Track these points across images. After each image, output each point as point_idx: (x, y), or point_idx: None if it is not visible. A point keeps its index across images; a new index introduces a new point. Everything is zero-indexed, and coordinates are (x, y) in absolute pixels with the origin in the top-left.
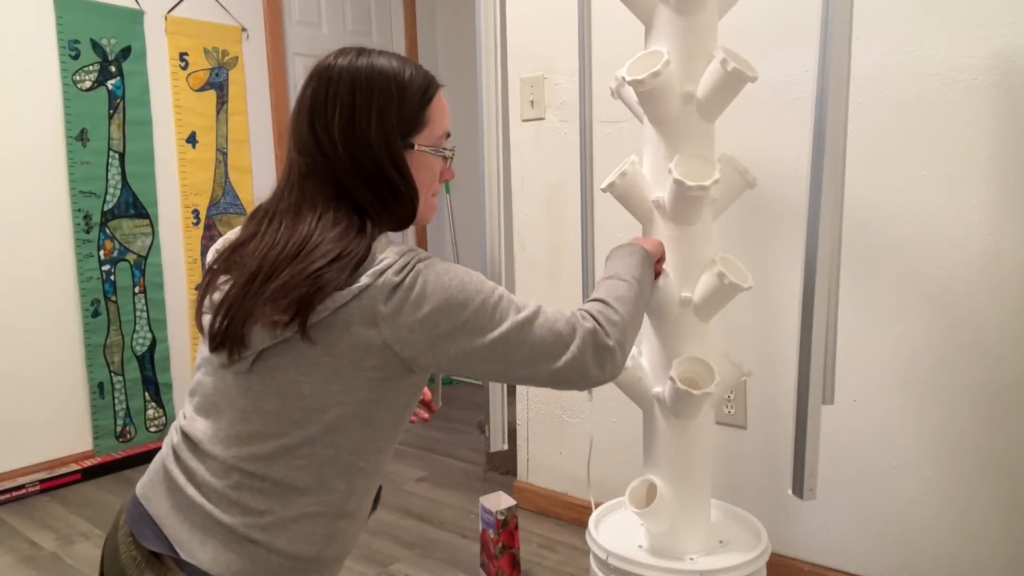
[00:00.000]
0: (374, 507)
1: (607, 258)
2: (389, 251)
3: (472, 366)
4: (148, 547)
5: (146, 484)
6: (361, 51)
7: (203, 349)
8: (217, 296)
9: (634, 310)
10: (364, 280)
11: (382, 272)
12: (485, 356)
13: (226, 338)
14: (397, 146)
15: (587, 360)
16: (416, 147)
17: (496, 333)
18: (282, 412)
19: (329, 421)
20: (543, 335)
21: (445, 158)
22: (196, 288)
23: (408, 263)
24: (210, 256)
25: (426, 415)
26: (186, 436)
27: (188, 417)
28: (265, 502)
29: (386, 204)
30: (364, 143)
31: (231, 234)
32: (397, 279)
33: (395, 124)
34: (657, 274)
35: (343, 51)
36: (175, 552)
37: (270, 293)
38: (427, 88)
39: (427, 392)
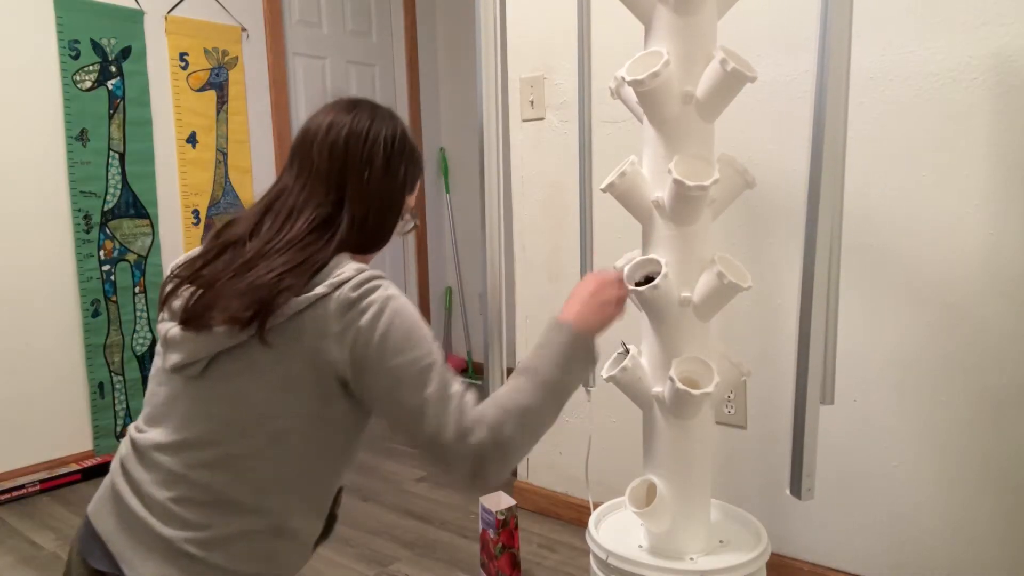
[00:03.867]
0: (327, 535)
1: (546, 331)
2: (348, 266)
3: (378, 407)
4: (95, 566)
5: (95, 502)
6: (391, 115)
7: (157, 361)
8: (177, 304)
9: (536, 423)
10: (320, 289)
11: (339, 285)
12: (391, 407)
13: (193, 316)
14: (403, 195)
15: (462, 468)
16: (404, 205)
17: (411, 394)
18: (229, 419)
19: (273, 433)
20: (441, 423)
21: (405, 221)
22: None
23: (366, 283)
24: (167, 272)
25: None
26: (135, 447)
27: (138, 428)
28: (205, 516)
29: (364, 232)
30: (391, 184)
31: (191, 252)
32: (353, 295)
33: (408, 180)
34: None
35: (378, 109)
36: (119, 570)
37: (238, 290)
38: (422, 165)
39: None
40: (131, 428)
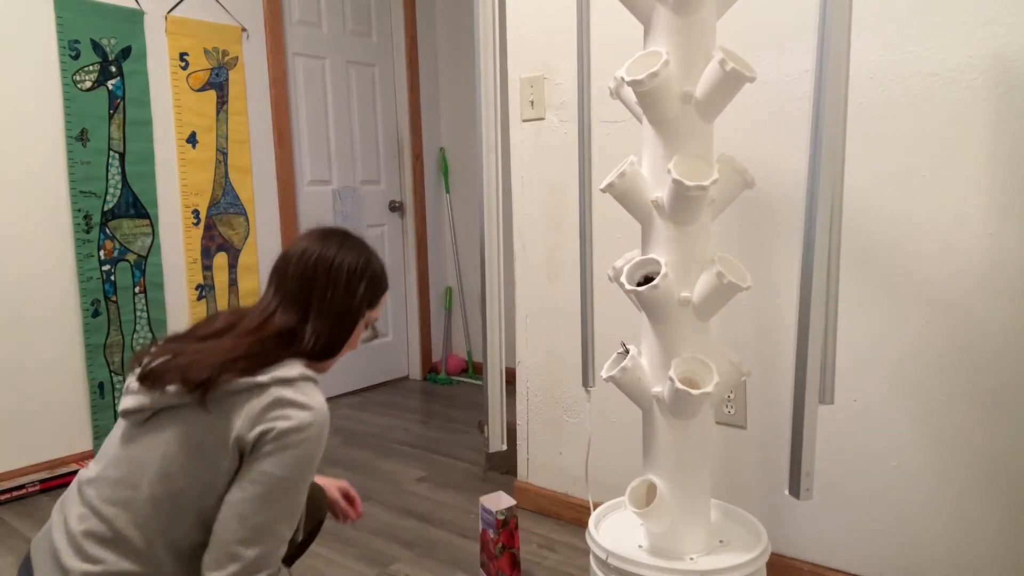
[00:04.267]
0: None
1: None
2: (295, 368)
3: (239, 485)
4: None
5: (39, 534)
6: (366, 250)
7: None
8: (145, 360)
9: None
10: (263, 378)
11: (282, 381)
12: (246, 512)
13: (152, 378)
14: (361, 313)
15: (219, 568)
16: (365, 318)
17: (261, 504)
18: (146, 465)
19: (175, 487)
20: (256, 542)
21: (362, 335)
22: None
23: (305, 394)
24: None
25: (353, 515)
26: (77, 482)
27: (85, 467)
28: (102, 552)
29: (327, 346)
30: (346, 314)
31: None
32: (290, 397)
33: (366, 302)
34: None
35: (344, 241)
36: None
37: (193, 360)
38: (386, 287)
39: (341, 502)
40: (77, 478)
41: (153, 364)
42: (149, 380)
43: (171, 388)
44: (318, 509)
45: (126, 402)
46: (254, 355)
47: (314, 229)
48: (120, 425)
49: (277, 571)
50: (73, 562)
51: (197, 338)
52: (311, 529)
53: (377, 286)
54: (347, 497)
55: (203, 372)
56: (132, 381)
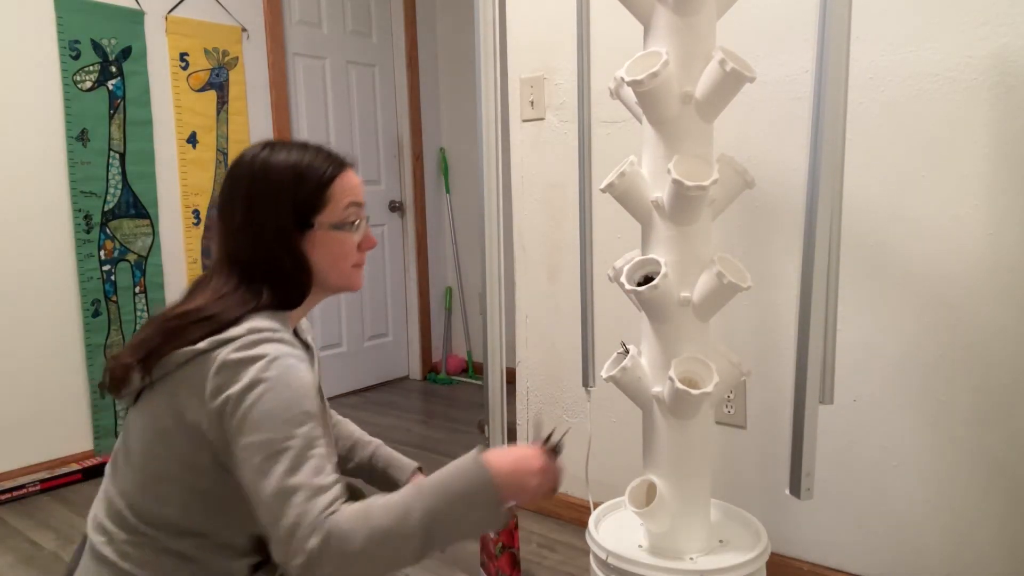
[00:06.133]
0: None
1: (462, 461)
2: (243, 326)
3: (239, 473)
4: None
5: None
6: (268, 144)
7: None
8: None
9: (387, 557)
10: (202, 344)
11: (222, 343)
12: (245, 476)
13: (111, 381)
14: (290, 232)
15: (292, 565)
16: (317, 226)
17: (254, 478)
18: (131, 451)
19: (153, 474)
20: (282, 511)
21: (355, 229)
22: None
23: (250, 346)
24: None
25: None
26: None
27: None
28: (114, 526)
29: (275, 284)
30: (259, 231)
31: None
32: (234, 357)
33: (290, 210)
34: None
35: (254, 146)
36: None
37: (138, 341)
38: (327, 170)
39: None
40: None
41: (120, 353)
42: (117, 370)
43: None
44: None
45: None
46: (203, 319)
47: None
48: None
49: (324, 513)
50: (94, 536)
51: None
52: None
53: (306, 178)
54: None
55: (140, 349)
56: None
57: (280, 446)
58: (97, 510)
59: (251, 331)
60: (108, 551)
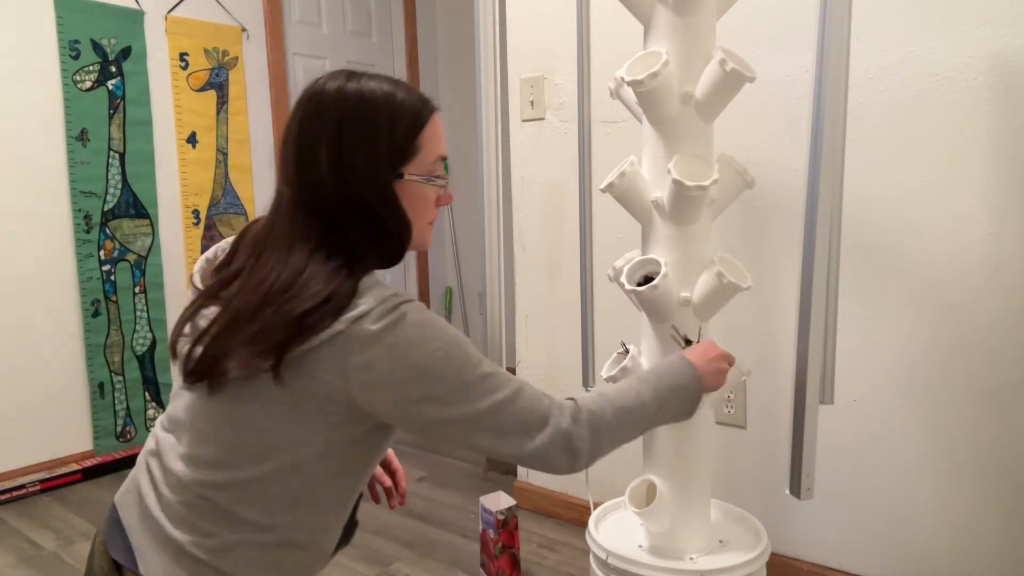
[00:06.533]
0: (347, 540)
1: (671, 356)
2: (369, 296)
3: (434, 434)
4: (114, 557)
5: (122, 491)
6: (351, 75)
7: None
8: (202, 324)
9: (630, 428)
10: (338, 326)
11: (358, 319)
12: (450, 431)
13: (203, 372)
14: (386, 179)
15: (551, 455)
16: (406, 176)
17: (467, 411)
18: (237, 444)
19: (282, 459)
20: (512, 423)
21: (434, 186)
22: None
23: (388, 312)
24: (196, 274)
25: (392, 504)
26: (158, 443)
27: (163, 426)
28: (213, 525)
29: (374, 240)
30: (352, 178)
31: (220, 252)
32: (374, 328)
33: (384, 155)
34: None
35: (333, 75)
36: (135, 564)
37: (251, 335)
38: (420, 113)
39: (385, 479)
40: (158, 422)
41: (203, 354)
42: (202, 375)
43: (236, 374)
44: None
45: (199, 387)
46: (320, 304)
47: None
48: (190, 391)
49: (569, 402)
50: (178, 532)
51: (233, 276)
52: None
53: (400, 120)
54: (390, 470)
55: (265, 352)
56: (185, 346)
57: (475, 375)
58: (173, 499)
59: (379, 299)
60: (198, 551)
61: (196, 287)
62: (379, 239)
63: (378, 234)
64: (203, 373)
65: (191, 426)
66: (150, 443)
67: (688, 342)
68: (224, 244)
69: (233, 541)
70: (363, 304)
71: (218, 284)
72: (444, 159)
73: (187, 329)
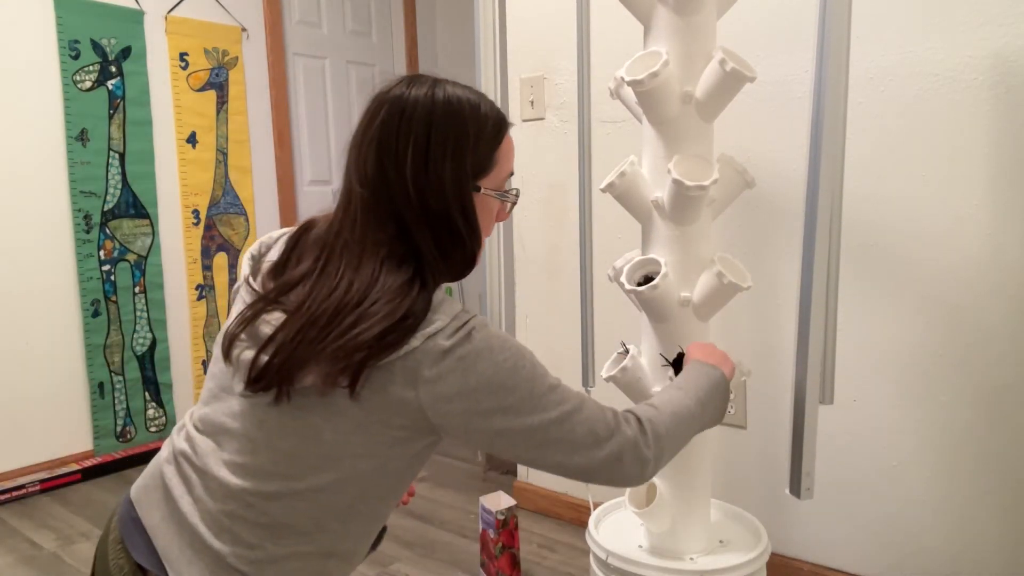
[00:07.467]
0: (376, 545)
1: (690, 363)
2: (442, 312)
3: (502, 447)
4: (137, 559)
5: (141, 488)
6: (437, 82)
7: (220, 361)
8: (266, 330)
9: (684, 431)
10: (414, 342)
11: (432, 335)
12: (519, 442)
13: (272, 380)
14: (469, 190)
15: (623, 464)
16: (483, 190)
17: (537, 421)
18: (295, 454)
19: (342, 470)
20: (581, 433)
21: (507, 201)
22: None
23: (460, 328)
24: (250, 275)
25: (404, 499)
26: (192, 444)
27: (196, 427)
28: (257, 536)
29: (447, 252)
30: (436, 186)
31: (264, 248)
32: (447, 344)
33: (468, 166)
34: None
35: (416, 80)
36: (163, 569)
37: (331, 351)
38: (500, 127)
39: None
40: (189, 420)
41: (271, 360)
42: (270, 384)
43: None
44: None
45: (241, 383)
46: (397, 323)
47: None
48: (239, 396)
49: (629, 415)
50: (219, 543)
51: (300, 278)
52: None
53: (484, 131)
54: None
55: (345, 370)
56: (246, 352)
57: (543, 387)
58: (215, 508)
59: (451, 315)
60: (241, 564)
61: (253, 288)
62: (450, 250)
63: (450, 245)
64: (272, 382)
65: (242, 433)
66: (180, 443)
67: (680, 355)
68: (268, 240)
69: (277, 553)
70: (438, 320)
71: (279, 288)
72: (512, 175)
73: (247, 331)
